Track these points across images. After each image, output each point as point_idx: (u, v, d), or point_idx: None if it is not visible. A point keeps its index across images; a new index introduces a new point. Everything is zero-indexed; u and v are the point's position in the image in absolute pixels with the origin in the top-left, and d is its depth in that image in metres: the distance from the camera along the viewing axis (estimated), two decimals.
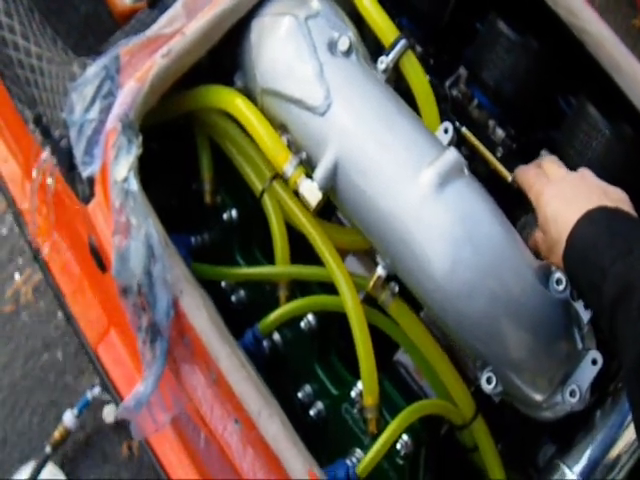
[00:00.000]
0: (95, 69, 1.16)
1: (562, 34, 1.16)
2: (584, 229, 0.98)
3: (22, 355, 2.34)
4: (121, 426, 2.13)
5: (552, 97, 1.27)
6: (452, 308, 1.04)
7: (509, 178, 1.17)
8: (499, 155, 1.21)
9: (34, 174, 1.36)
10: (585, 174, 1.08)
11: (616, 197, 1.04)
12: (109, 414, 2.21)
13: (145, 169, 1.11)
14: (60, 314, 2.29)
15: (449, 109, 1.26)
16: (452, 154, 1.06)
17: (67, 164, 1.24)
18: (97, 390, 2.10)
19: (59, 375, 2.33)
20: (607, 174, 1.08)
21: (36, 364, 2.34)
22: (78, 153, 1.15)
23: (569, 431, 1.13)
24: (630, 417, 1.09)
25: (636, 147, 1.14)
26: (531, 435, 1.21)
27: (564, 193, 1.04)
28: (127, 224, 1.09)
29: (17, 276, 2.42)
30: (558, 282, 1.04)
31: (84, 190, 1.20)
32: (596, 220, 0.98)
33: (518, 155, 1.22)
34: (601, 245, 0.94)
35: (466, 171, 1.08)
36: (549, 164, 1.13)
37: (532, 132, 1.26)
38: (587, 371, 1.06)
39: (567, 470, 1.09)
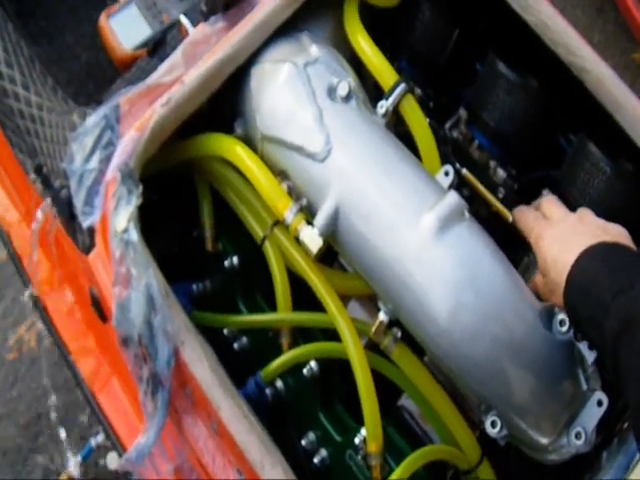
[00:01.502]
0: (95, 119, 1.15)
1: (561, 73, 1.15)
2: (584, 265, 0.97)
3: (25, 403, 2.32)
4: (125, 475, 2.12)
5: (553, 136, 1.26)
6: (455, 352, 1.02)
7: (510, 218, 1.15)
8: (501, 196, 1.20)
9: (34, 224, 1.37)
10: (584, 214, 1.07)
11: (616, 233, 1.02)
12: (112, 461, 2.19)
13: (145, 217, 1.09)
14: (63, 362, 2.28)
15: (449, 151, 1.24)
16: (452, 198, 1.05)
17: (67, 214, 1.22)
18: (100, 437, 2.08)
19: (62, 422, 2.31)
20: (609, 212, 1.06)
21: (39, 412, 2.29)
22: (78, 203, 1.14)
23: (575, 473, 1.11)
24: (638, 457, 1.06)
25: (638, 185, 1.12)
26: (537, 478, 1.18)
27: (563, 235, 1.03)
28: (127, 275, 1.07)
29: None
30: (561, 323, 1.03)
31: (84, 240, 1.18)
32: (596, 256, 0.97)
33: (520, 195, 1.21)
34: (602, 280, 0.92)
35: (467, 214, 1.06)
36: (548, 204, 1.12)
37: (533, 171, 1.24)
38: (592, 413, 1.05)
39: None
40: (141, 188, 1.09)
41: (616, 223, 1.05)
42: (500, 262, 1.05)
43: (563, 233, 1.04)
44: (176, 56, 1.19)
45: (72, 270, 1.42)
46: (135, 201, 1.08)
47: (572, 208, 1.11)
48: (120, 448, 1.62)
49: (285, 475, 1.03)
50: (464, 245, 1.04)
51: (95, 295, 1.26)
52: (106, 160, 1.13)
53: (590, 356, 1.05)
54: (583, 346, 1.05)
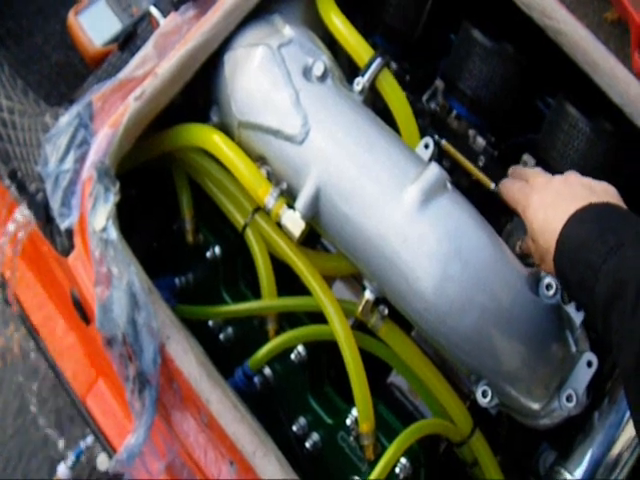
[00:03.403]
0: (68, 118, 1.10)
1: (536, 37, 1.11)
2: (572, 230, 0.93)
3: (11, 412, 2.26)
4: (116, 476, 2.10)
5: (530, 100, 1.23)
6: (443, 325, 0.99)
7: (491, 186, 1.12)
8: (481, 164, 1.17)
9: (10, 229, 1.34)
10: (569, 176, 1.03)
11: (602, 191, 0.98)
12: (103, 462, 2.15)
13: (123, 214, 1.05)
14: (48, 367, 2.26)
15: (428, 123, 1.20)
16: (434, 170, 1.02)
17: (44, 217, 1.18)
18: (90, 439, 2.05)
19: (50, 428, 2.25)
20: (590, 173, 1.03)
21: (26, 419, 2.24)
22: (55, 205, 1.09)
23: (568, 436, 1.08)
24: (629, 414, 1.04)
25: (618, 143, 1.10)
26: (530, 444, 1.15)
27: (548, 201, 0.99)
28: (108, 274, 1.03)
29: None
30: (548, 287, 1.00)
31: (63, 242, 1.14)
32: (584, 218, 0.93)
33: (500, 162, 1.18)
34: (590, 243, 0.89)
35: (449, 185, 1.03)
36: (532, 173, 1.08)
37: (513, 137, 1.22)
38: (583, 374, 1.02)
39: (569, 476, 1.05)
40: (118, 185, 1.04)
41: None
42: (485, 232, 1.01)
43: (548, 199, 1.00)
44: (148, 48, 1.15)
45: (52, 274, 1.40)
46: (113, 199, 1.04)
47: (553, 171, 1.08)
48: (110, 449, 1.60)
49: (278, 463, 1.00)
50: (448, 217, 1.00)
51: (76, 297, 1.23)
52: (81, 159, 1.08)
53: (578, 318, 1.02)
54: (570, 308, 1.02)
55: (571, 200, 0.96)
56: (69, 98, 1.29)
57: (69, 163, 1.10)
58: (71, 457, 2.05)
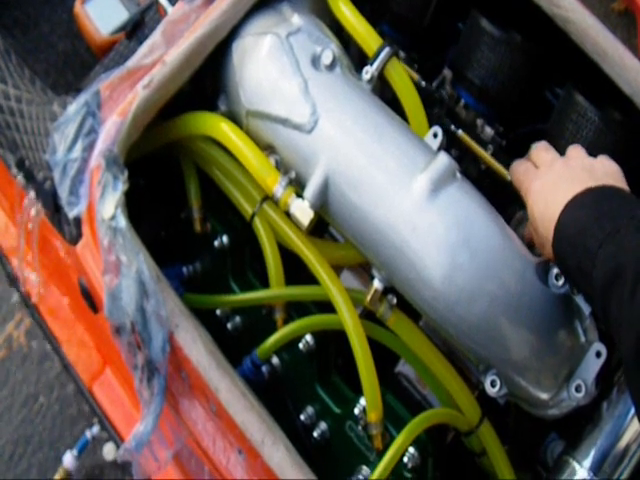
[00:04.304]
0: (76, 107, 1.10)
1: (544, 26, 1.11)
2: (569, 216, 0.92)
3: (18, 401, 2.26)
4: (123, 465, 2.10)
5: (539, 90, 1.22)
6: (452, 314, 0.99)
7: (508, 177, 1.11)
8: (489, 153, 1.16)
9: (19, 219, 1.33)
10: (571, 157, 1.02)
11: (602, 173, 0.97)
12: (109, 452, 2.13)
13: (132, 203, 1.05)
14: (54, 356, 2.23)
15: (436, 113, 1.20)
16: (443, 159, 1.01)
17: (52, 206, 1.18)
18: (96, 429, 2.03)
19: (56, 417, 2.24)
20: None
21: (32, 409, 2.25)
22: (63, 194, 1.09)
23: (576, 426, 1.07)
24: None
25: (626, 132, 1.09)
26: (538, 433, 1.15)
27: (549, 187, 0.99)
28: (117, 262, 1.03)
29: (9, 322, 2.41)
30: (557, 277, 0.99)
31: (71, 231, 1.14)
32: (581, 204, 0.92)
33: (508, 151, 1.17)
34: (587, 228, 0.88)
35: (458, 175, 1.02)
36: (537, 151, 1.07)
37: (521, 127, 1.21)
38: (591, 364, 1.02)
39: (577, 466, 1.04)
40: (126, 173, 1.04)
41: None
42: (494, 220, 1.01)
43: (549, 184, 0.99)
44: (156, 36, 1.14)
45: (60, 262, 1.40)
46: (121, 187, 1.04)
47: None
48: (117, 438, 1.60)
49: (287, 452, 1.00)
50: (457, 206, 1.00)
51: (85, 286, 1.22)
52: (89, 148, 1.08)
53: (587, 308, 1.01)
54: (580, 298, 1.01)
55: (571, 185, 0.95)
56: (76, 87, 1.29)
57: (77, 152, 1.10)
58: (77, 446, 2.05)
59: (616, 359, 1.09)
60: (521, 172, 1.06)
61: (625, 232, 0.85)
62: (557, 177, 0.99)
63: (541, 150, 1.08)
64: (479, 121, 1.19)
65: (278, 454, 1.00)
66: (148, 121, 1.08)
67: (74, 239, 1.15)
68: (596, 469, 1.05)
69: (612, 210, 0.89)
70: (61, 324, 1.64)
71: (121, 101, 1.09)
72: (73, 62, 1.62)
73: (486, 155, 1.15)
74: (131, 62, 1.14)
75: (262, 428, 1.01)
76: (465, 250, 0.98)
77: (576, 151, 1.03)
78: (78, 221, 1.12)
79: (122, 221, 1.03)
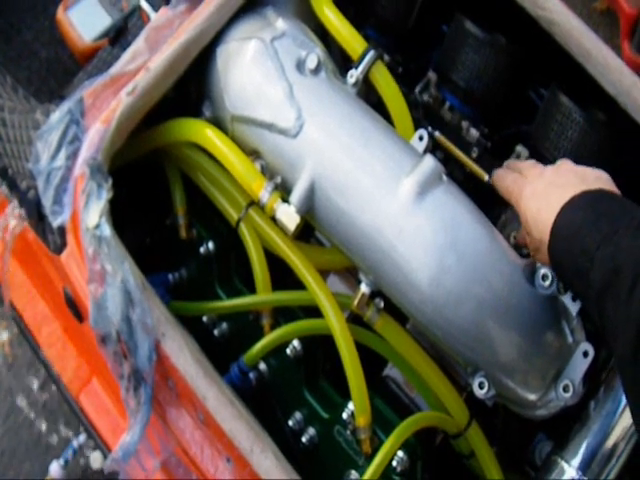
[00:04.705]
0: (59, 115, 1.09)
1: (529, 27, 1.11)
2: (566, 217, 0.92)
3: (3, 411, 2.23)
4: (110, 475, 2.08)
5: (523, 91, 1.22)
6: (440, 317, 0.99)
7: (485, 178, 1.11)
8: (475, 155, 1.16)
9: (1, 228, 1.33)
10: (561, 165, 1.02)
11: (593, 179, 0.97)
12: (96, 460, 2.14)
13: (116, 210, 1.04)
14: (39, 366, 2.24)
15: (421, 115, 1.20)
16: (429, 162, 1.01)
17: (36, 215, 1.17)
18: (82, 438, 2.04)
19: (42, 427, 2.24)
20: (584, 162, 1.02)
21: (17, 418, 2.23)
22: (47, 203, 1.08)
23: (564, 425, 1.08)
24: (625, 402, 1.04)
25: (611, 133, 1.09)
26: (526, 434, 1.15)
27: (541, 192, 0.99)
28: (102, 271, 1.02)
29: None
30: (544, 278, 1.00)
31: (55, 240, 1.13)
32: (578, 205, 0.92)
33: (493, 153, 1.18)
34: (584, 230, 0.88)
35: (444, 177, 1.02)
36: (526, 166, 1.07)
37: (506, 128, 1.21)
38: (579, 364, 1.02)
39: (565, 465, 1.04)
40: (111, 182, 1.03)
41: None
42: (480, 223, 1.01)
43: (541, 190, 0.99)
44: (139, 43, 1.14)
45: (44, 271, 1.39)
46: (105, 195, 1.03)
47: (547, 161, 1.07)
48: (104, 447, 1.59)
49: (276, 459, 0.99)
50: (444, 209, 1.00)
51: (69, 295, 1.21)
52: (73, 156, 1.07)
53: (574, 308, 1.02)
54: (566, 298, 1.02)
55: (563, 189, 0.95)
56: (59, 94, 1.28)
57: (61, 160, 1.09)
58: (64, 456, 2.04)
59: (602, 358, 1.09)
60: (509, 181, 1.06)
61: (623, 233, 0.85)
62: (549, 182, 0.99)
63: (529, 164, 1.08)
64: (464, 123, 1.19)
65: (267, 462, 0.99)
66: (132, 128, 1.08)
67: (58, 248, 1.14)
68: (584, 468, 1.05)
69: (610, 212, 0.90)
70: (46, 333, 1.62)
71: (105, 108, 1.08)
72: (56, 69, 1.61)
73: (465, 158, 1.16)
74: (114, 69, 1.13)
75: (250, 436, 1.00)
76: (452, 253, 0.98)
77: (566, 161, 1.04)
78: (62, 230, 1.11)
79: (107, 230, 1.03)
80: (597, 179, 0.98)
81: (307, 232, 1.17)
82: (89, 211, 1.04)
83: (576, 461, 1.05)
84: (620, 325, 0.81)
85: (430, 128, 1.15)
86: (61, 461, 2.03)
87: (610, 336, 0.84)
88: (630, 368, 0.80)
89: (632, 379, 0.80)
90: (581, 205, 0.93)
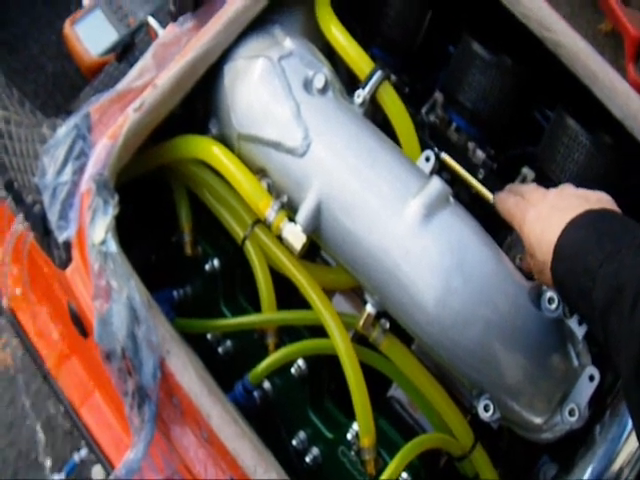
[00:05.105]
0: (66, 129, 1.08)
1: (535, 49, 1.11)
2: (569, 237, 0.92)
3: (4, 424, 2.23)
4: None
5: (529, 113, 1.22)
6: (446, 339, 0.99)
7: (491, 199, 1.11)
8: (481, 177, 1.16)
9: (7, 241, 1.33)
10: (564, 189, 1.02)
11: (597, 201, 0.97)
12: (97, 474, 2.15)
13: (122, 226, 1.03)
14: (42, 379, 2.23)
15: (428, 136, 1.20)
16: (436, 184, 1.01)
17: (42, 229, 1.16)
18: (84, 452, 2.04)
19: (44, 441, 2.25)
20: (590, 185, 1.02)
21: (20, 431, 2.24)
22: (53, 217, 1.07)
23: (569, 449, 1.07)
24: (630, 427, 1.04)
25: (617, 156, 1.09)
26: (530, 457, 1.15)
27: (544, 215, 0.98)
28: (107, 287, 1.01)
29: None
30: (550, 301, 1.00)
31: (61, 255, 1.12)
32: (581, 224, 0.92)
33: (499, 174, 1.17)
34: (587, 248, 0.88)
35: (451, 199, 1.02)
36: (528, 190, 1.07)
37: (512, 149, 1.21)
38: (585, 388, 1.02)
39: None
40: (117, 198, 1.03)
41: None
42: (487, 245, 1.01)
43: (544, 212, 0.99)
44: (146, 59, 1.13)
45: (49, 286, 1.39)
46: (112, 211, 1.02)
47: (553, 184, 1.07)
48: (106, 462, 1.59)
49: (279, 479, 0.98)
50: (450, 231, 1.00)
51: (74, 310, 1.21)
52: (79, 171, 1.07)
53: (580, 331, 1.02)
54: (572, 322, 1.02)
55: (566, 211, 0.95)
56: (65, 109, 1.28)
57: (67, 175, 1.09)
58: (64, 470, 2.03)
59: (608, 382, 1.08)
60: (512, 204, 1.06)
61: (626, 252, 0.85)
62: (552, 205, 0.99)
63: (531, 188, 1.08)
64: (470, 144, 1.19)
65: None
66: (139, 144, 1.07)
67: (64, 263, 1.14)
68: None
69: (613, 231, 0.90)
70: (48, 347, 1.62)
71: (111, 124, 1.08)
72: (62, 84, 1.61)
73: (471, 179, 1.15)
74: (121, 85, 1.13)
75: (254, 455, 1.00)
76: (459, 274, 0.98)
77: (568, 185, 1.04)
78: (68, 245, 1.10)
79: (113, 246, 1.02)
80: (599, 200, 0.98)
81: (313, 251, 1.16)
82: (95, 227, 1.03)
83: None
84: (623, 341, 0.81)
85: (436, 149, 1.15)
86: (62, 475, 2.03)
87: (614, 352, 0.83)
88: (634, 384, 0.79)
89: (636, 396, 0.80)
90: (583, 224, 0.93)
